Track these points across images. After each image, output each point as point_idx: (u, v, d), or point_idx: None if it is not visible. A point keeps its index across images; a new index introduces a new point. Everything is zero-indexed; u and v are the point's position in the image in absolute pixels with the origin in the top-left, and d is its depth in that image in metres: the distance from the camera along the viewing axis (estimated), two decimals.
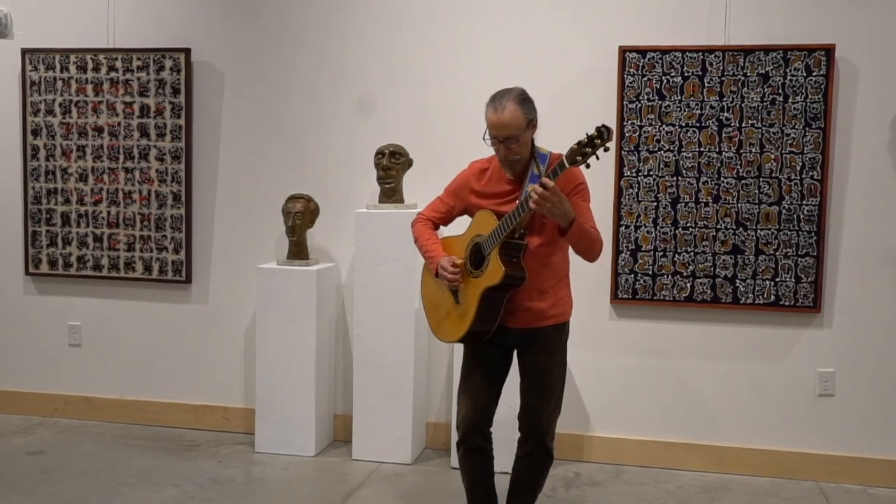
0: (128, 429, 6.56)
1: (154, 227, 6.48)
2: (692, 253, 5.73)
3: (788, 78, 5.54)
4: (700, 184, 5.69)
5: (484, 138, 4.13)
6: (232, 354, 6.53)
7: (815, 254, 5.59)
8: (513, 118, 4.02)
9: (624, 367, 5.95)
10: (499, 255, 4.02)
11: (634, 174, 5.76)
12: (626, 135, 5.74)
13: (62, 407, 6.78)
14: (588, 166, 3.81)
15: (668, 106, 5.70)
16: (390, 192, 5.92)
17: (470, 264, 4.19)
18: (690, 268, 5.74)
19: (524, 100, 4.09)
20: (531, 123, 4.10)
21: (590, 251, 4.12)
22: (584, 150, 3.76)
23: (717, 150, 5.66)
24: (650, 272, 5.79)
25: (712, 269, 5.71)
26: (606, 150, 3.79)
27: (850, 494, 5.56)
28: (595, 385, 5.99)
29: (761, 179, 5.62)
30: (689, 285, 5.75)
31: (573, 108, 5.76)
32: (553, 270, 4.21)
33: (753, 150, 5.62)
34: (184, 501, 5.27)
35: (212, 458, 5.99)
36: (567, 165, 3.81)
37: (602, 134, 3.73)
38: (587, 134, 3.77)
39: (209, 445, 6.25)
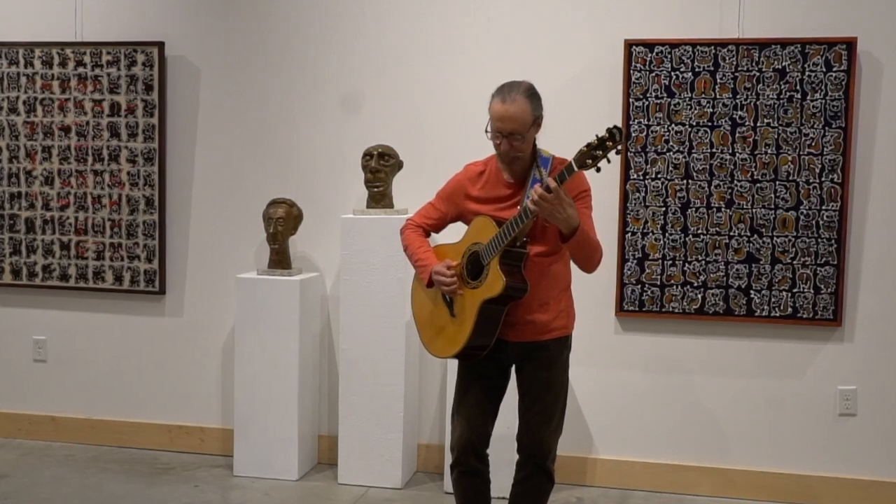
0: (97, 451, 6.50)
1: (125, 234, 6.43)
2: (703, 262, 5.69)
3: (807, 73, 5.50)
4: (712, 187, 5.65)
5: (486, 130, 4.10)
6: (209, 371, 6.48)
7: (835, 263, 5.55)
8: (520, 112, 4.00)
9: (630, 384, 5.90)
10: (499, 265, 3.99)
11: (641, 177, 5.72)
12: (633, 135, 5.70)
13: (26, 427, 6.72)
14: (598, 170, 3.78)
15: (678, 104, 5.66)
16: (379, 197, 5.87)
17: (467, 274, 4.14)
18: (701, 278, 5.69)
19: (533, 95, 4.08)
20: (537, 121, 4.09)
21: (589, 261, 4.09)
22: (594, 152, 3.74)
23: (731, 151, 5.62)
24: (658, 282, 5.75)
25: (725, 279, 5.67)
26: (618, 152, 3.76)
27: None
28: (599, 403, 5.95)
29: (778, 183, 5.58)
30: (700, 296, 5.71)
31: (575, 106, 5.72)
32: (554, 280, 4.17)
33: (769, 151, 5.58)
34: None
35: (187, 483, 5.94)
36: (576, 169, 3.78)
37: (613, 135, 3.71)
38: (597, 135, 3.74)
39: (184, 468, 6.20)
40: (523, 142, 4.04)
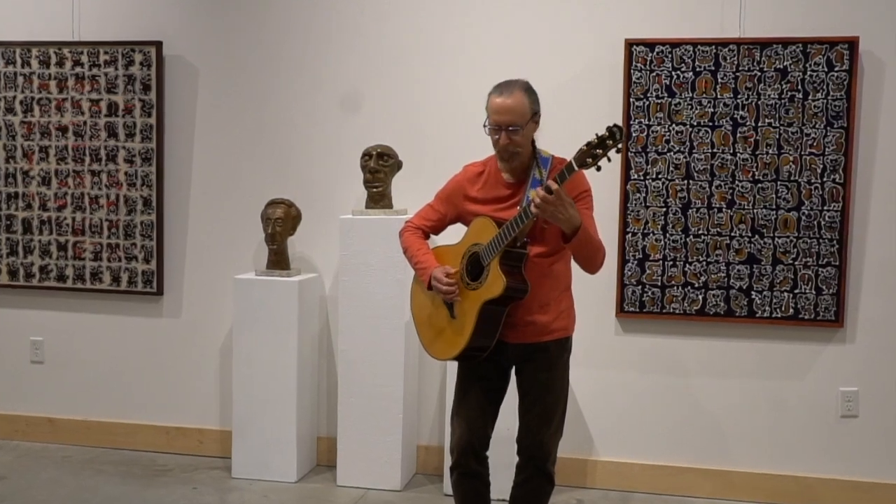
0: (94, 452, 6.49)
1: (123, 235, 6.41)
2: (704, 262, 5.67)
3: (808, 73, 5.49)
4: (713, 188, 5.64)
5: (484, 125, 4.12)
6: (207, 372, 6.46)
7: (837, 263, 5.54)
8: (518, 104, 4.04)
9: (630, 385, 5.89)
10: (499, 266, 3.98)
11: (642, 177, 5.71)
12: (634, 135, 5.69)
13: (23, 429, 6.71)
14: (599, 169, 3.76)
15: (679, 104, 5.64)
16: (378, 197, 5.86)
17: (467, 275, 4.13)
18: (702, 278, 5.68)
19: (530, 90, 4.12)
20: (535, 117, 4.11)
21: (592, 260, 4.08)
22: (595, 151, 3.72)
23: (732, 151, 5.60)
24: (659, 283, 5.73)
25: (726, 279, 5.66)
26: (618, 151, 3.75)
27: None
28: (599, 405, 5.94)
29: (779, 183, 5.57)
30: (700, 297, 5.70)
31: (575, 106, 5.71)
32: (555, 281, 4.16)
33: (770, 151, 5.56)
34: None
35: (185, 485, 5.92)
36: (576, 168, 3.77)
37: (614, 134, 3.69)
38: (597, 134, 3.72)
39: (182, 470, 6.18)
40: (521, 136, 4.05)
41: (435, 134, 6.00)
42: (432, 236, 4.48)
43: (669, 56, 5.63)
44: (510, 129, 4.03)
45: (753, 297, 5.63)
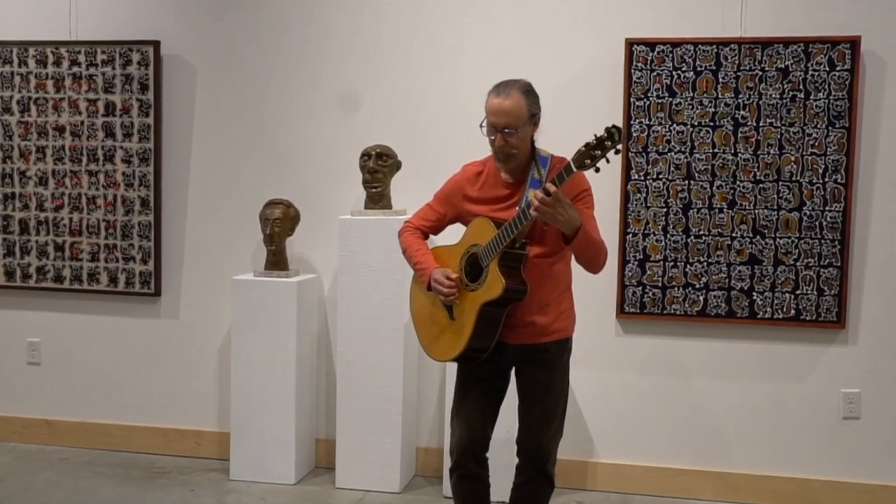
0: (92, 454, 6.48)
1: (120, 235, 6.40)
2: (705, 263, 5.67)
3: (810, 73, 5.49)
4: (714, 188, 5.63)
5: (481, 125, 4.11)
6: (205, 374, 6.46)
7: (838, 264, 5.53)
8: (515, 106, 4.02)
9: (631, 387, 5.88)
10: (498, 267, 3.97)
11: (642, 178, 5.70)
12: (634, 135, 5.68)
13: (20, 431, 6.70)
14: (597, 170, 3.76)
15: (680, 103, 5.64)
16: (377, 198, 5.85)
17: (466, 276, 4.13)
18: (703, 279, 5.68)
19: (529, 92, 4.09)
20: (533, 119, 4.09)
21: (594, 261, 4.08)
22: (593, 152, 3.72)
23: (733, 151, 5.60)
24: (659, 284, 5.73)
25: (727, 280, 5.65)
26: (617, 152, 3.74)
27: None
28: (600, 407, 5.93)
29: (780, 183, 5.56)
30: (701, 298, 5.69)
31: (575, 105, 5.70)
32: (554, 282, 4.15)
33: (772, 151, 5.56)
34: None
35: (183, 487, 5.91)
36: (574, 170, 3.76)
37: (612, 135, 3.68)
38: (595, 135, 3.71)
39: (180, 472, 6.18)
40: (517, 138, 4.03)
41: (434, 134, 5.99)
42: (431, 236, 4.47)
43: (670, 56, 5.63)
44: (506, 130, 4.02)
45: (755, 297, 5.63)
